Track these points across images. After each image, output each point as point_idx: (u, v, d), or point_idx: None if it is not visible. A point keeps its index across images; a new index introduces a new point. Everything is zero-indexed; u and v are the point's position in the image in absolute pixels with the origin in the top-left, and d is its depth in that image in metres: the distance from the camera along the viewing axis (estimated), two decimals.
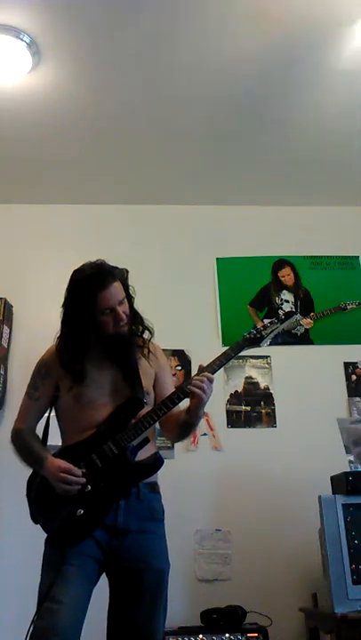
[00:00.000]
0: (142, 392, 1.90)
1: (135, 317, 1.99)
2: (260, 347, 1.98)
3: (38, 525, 1.86)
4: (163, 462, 1.85)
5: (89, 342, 1.90)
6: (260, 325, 2.00)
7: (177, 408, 1.90)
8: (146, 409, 1.87)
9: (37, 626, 1.64)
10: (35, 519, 1.86)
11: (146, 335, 2.03)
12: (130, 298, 1.96)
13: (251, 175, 3.54)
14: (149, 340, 2.04)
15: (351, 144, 3.28)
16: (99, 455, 1.81)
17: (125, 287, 1.94)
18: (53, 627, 1.61)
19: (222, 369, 3.27)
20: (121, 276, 1.92)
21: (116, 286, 1.87)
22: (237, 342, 1.97)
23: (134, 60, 2.69)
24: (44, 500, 1.82)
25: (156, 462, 1.83)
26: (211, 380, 1.84)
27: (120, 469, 1.80)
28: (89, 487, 1.77)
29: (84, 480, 1.76)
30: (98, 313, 1.86)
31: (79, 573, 1.72)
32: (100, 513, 1.77)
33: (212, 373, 1.86)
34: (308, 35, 2.54)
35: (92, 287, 1.84)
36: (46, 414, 2.01)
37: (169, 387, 2.03)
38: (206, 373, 1.85)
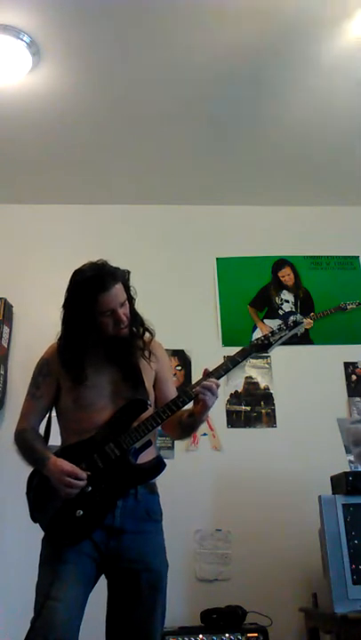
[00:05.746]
0: (146, 394, 1.89)
1: (135, 319, 1.97)
2: (267, 353, 1.96)
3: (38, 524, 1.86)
4: (164, 466, 1.83)
5: (89, 343, 1.89)
6: (267, 332, 1.96)
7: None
8: (148, 411, 1.85)
9: (35, 623, 1.65)
10: (34, 518, 1.85)
11: (146, 337, 2.01)
12: (131, 299, 1.94)
13: (251, 175, 3.54)
14: (150, 342, 2.01)
15: (352, 144, 3.27)
16: (100, 456, 1.79)
17: (127, 288, 1.92)
18: (51, 624, 1.62)
19: None
20: (122, 277, 1.90)
21: (118, 288, 1.85)
22: (244, 348, 1.93)
23: (135, 60, 2.68)
24: (43, 498, 1.81)
25: (157, 466, 1.82)
26: (218, 386, 1.82)
27: (121, 471, 1.79)
28: (89, 488, 1.76)
29: (85, 482, 1.75)
30: (98, 314, 1.85)
31: (77, 572, 1.72)
32: (99, 514, 1.77)
33: (218, 379, 1.84)
34: (304, 32, 2.54)
35: (93, 289, 1.82)
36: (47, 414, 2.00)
37: (169, 385, 2.03)
38: (214, 379, 1.82)
